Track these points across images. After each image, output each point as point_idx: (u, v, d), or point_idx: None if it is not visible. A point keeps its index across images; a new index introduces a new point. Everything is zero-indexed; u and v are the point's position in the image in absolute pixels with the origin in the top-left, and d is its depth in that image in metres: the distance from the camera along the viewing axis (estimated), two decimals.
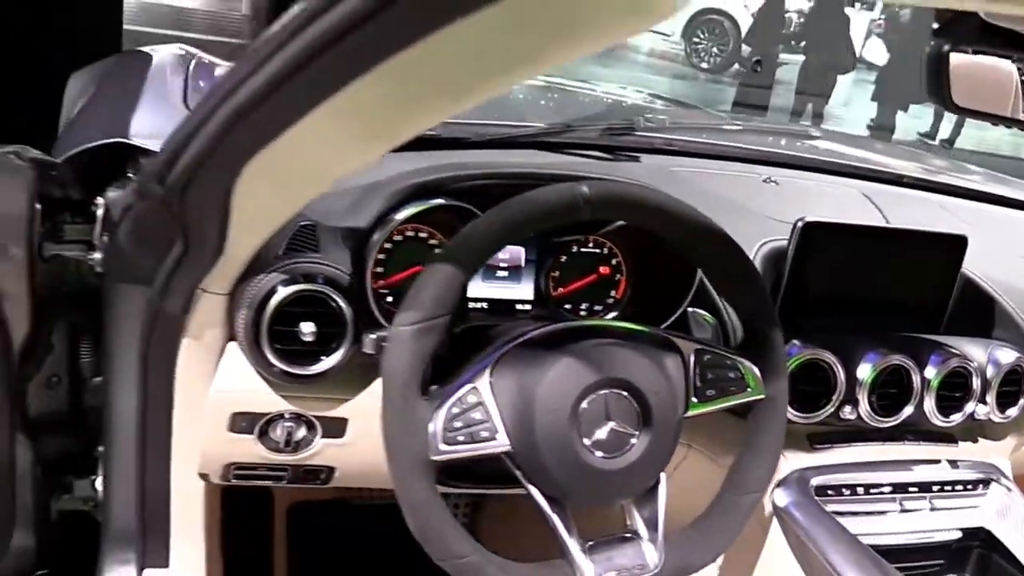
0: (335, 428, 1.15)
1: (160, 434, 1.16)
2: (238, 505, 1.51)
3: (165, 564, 1.20)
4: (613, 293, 1.28)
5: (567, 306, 1.26)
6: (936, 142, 8.95)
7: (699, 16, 9.71)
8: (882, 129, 8.45)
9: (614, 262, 1.27)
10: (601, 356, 0.98)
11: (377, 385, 1.12)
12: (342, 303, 1.07)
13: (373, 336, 1.07)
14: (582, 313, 1.26)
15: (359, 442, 1.16)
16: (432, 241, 1.19)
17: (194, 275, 1.02)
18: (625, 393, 0.97)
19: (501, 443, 0.95)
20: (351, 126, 0.78)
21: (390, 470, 0.93)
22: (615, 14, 0.56)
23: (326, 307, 1.07)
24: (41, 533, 1.30)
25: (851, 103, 9.50)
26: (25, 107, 1.39)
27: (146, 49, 1.59)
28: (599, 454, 0.96)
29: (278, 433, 1.13)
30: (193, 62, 1.54)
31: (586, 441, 0.96)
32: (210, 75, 1.67)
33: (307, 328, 1.05)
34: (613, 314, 1.27)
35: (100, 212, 1.14)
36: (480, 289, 1.24)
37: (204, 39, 4.99)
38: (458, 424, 0.93)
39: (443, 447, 0.92)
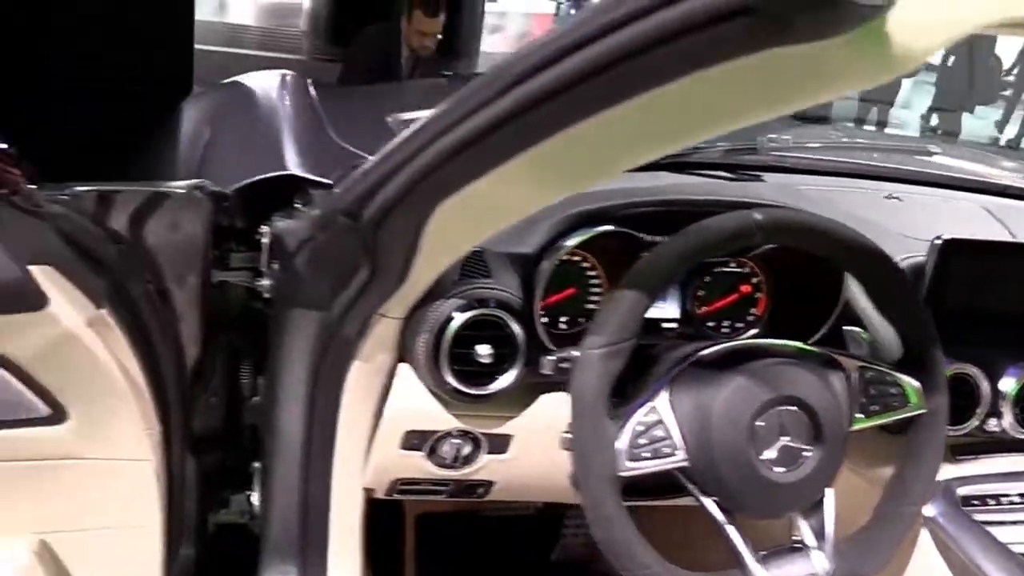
0: (499, 444, 1.20)
1: (323, 450, 1.21)
2: (375, 516, 1.56)
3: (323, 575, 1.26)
4: (753, 311, 1.31)
5: (709, 324, 1.30)
6: (1003, 143, 8.77)
7: None
8: (947, 133, 8.29)
9: (754, 281, 1.30)
10: (774, 374, 1.02)
11: (540, 403, 1.18)
12: (515, 326, 1.12)
13: (552, 358, 1.12)
14: (724, 331, 1.30)
15: (521, 457, 1.21)
16: (584, 264, 1.23)
17: (375, 301, 1.08)
18: (797, 409, 1.02)
19: (680, 458, 1.00)
20: (557, 168, 0.81)
21: (581, 486, 0.98)
22: (858, 74, 0.59)
23: (499, 330, 1.12)
24: (201, 545, 1.37)
25: (911, 105, 9.33)
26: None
27: (248, 79, 1.66)
28: (776, 469, 1.01)
29: (446, 450, 1.19)
30: (312, 91, 1.61)
31: (762, 456, 1.00)
32: (338, 101, 1.74)
33: (484, 351, 1.10)
34: (753, 331, 1.31)
35: (266, 240, 1.21)
36: None
37: (260, 55, 5.05)
38: (642, 441, 0.98)
39: (629, 464, 0.97)
